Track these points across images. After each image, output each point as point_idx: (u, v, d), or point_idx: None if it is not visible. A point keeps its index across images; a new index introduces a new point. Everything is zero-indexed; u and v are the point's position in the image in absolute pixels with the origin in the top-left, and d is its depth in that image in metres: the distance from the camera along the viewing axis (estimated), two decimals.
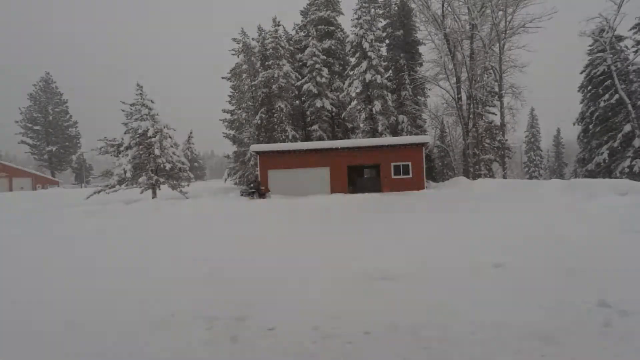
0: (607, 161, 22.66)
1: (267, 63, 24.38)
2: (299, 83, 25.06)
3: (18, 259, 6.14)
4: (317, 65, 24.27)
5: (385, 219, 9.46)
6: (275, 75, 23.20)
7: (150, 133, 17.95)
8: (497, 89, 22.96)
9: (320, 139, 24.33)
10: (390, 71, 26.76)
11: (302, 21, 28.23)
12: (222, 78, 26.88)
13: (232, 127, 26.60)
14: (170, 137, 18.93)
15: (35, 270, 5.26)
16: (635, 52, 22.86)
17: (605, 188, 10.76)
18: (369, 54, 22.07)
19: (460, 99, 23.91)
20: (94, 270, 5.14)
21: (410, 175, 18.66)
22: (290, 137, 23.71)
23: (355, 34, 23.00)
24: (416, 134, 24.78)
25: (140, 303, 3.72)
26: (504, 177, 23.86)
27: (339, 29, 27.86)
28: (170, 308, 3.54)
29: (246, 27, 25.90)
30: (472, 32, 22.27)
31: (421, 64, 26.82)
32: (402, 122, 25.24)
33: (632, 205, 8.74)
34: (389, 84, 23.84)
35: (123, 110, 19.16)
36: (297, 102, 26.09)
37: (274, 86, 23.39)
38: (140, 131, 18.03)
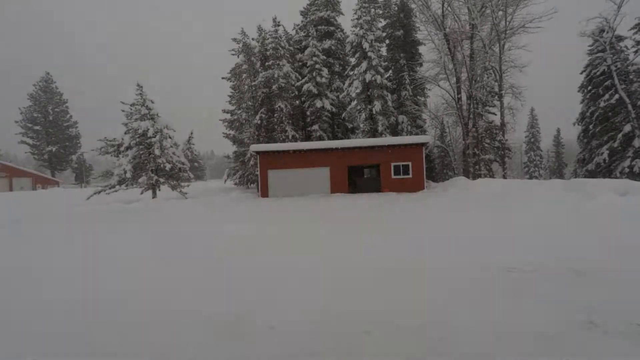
0: (607, 161, 22.67)
1: (267, 63, 24.38)
2: (299, 83, 25.07)
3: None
4: (317, 66, 24.28)
5: (386, 219, 9.46)
6: (275, 76, 23.20)
7: (150, 133, 17.98)
8: (497, 89, 22.95)
9: (320, 139, 24.34)
10: (390, 71, 26.76)
11: (302, 21, 28.23)
12: (222, 78, 26.90)
13: (232, 127, 26.63)
14: (170, 137, 18.97)
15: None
16: (635, 52, 22.87)
17: (605, 188, 10.76)
18: (369, 54, 22.07)
19: (460, 99, 23.90)
20: (96, 270, 5.14)
21: (410, 175, 18.67)
22: (290, 137, 23.71)
23: (355, 34, 23.01)
24: (416, 134, 24.79)
25: (141, 301, 3.73)
26: (504, 177, 23.84)
27: (339, 29, 27.87)
28: (171, 306, 3.54)
29: (246, 27, 25.93)
30: (472, 32, 22.25)
31: (421, 64, 26.81)
32: (402, 122, 25.25)
33: (632, 205, 8.75)
34: (389, 84, 23.84)
35: (123, 111, 19.17)
36: (297, 102, 26.09)
37: (274, 86, 23.40)
38: (140, 131, 18.05)
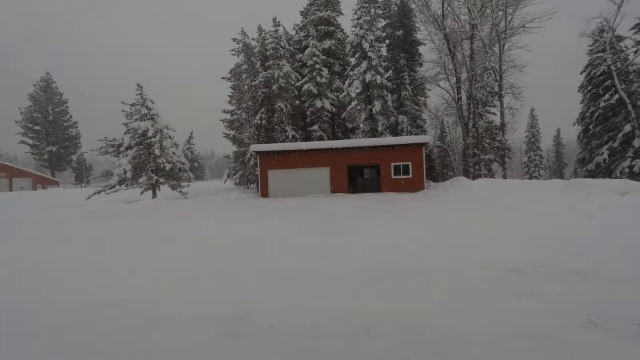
0: (607, 161, 22.66)
1: (267, 63, 24.38)
2: (299, 83, 25.06)
3: None
4: (317, 66, 24.27)
5: (385, 219, 9.45)
6: (275, 76, 23.20)
7: (150, 133, 17.97)
8: (497, 89, 22.95)
9: (320, 139, 24.33)
10: (390, 71, 26.75)
11: (302, 21, 28.22)
12: (222, 78, 26.89)
13: (232, 127, 26.64)
14: (170, 137, 18.97)
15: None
16: (635, 52, 22.86)
17: (605, 188, 10.77)
18: (369, 54, 22.07)
19: (460, 99, 23.89)
20: (86, 270, 5.14)
21: (410, 175, 18.68)
22: (290, 137, 23.70)
23: (355, 34, 23.00)
24: (416, 134, 24.77)
25: (141, 301, 3.73)
26: (504, 177, 23.84)
27: (339, 29, 27.84)
28: (171, 306, 3.54)
29: (246, 27, 25.91)
30: (472, 32, 22.25)
31: (421, 64, 26.79)
32: (402, 122, 25.24)
33: (632, 205, 8.75)
34: (389, 84, 23.83)
35: (123, 111, 19.15)
36: (297, 102, 26.09)
37: (274, 86, 23.39)
38: (140, 131, 18.05)
